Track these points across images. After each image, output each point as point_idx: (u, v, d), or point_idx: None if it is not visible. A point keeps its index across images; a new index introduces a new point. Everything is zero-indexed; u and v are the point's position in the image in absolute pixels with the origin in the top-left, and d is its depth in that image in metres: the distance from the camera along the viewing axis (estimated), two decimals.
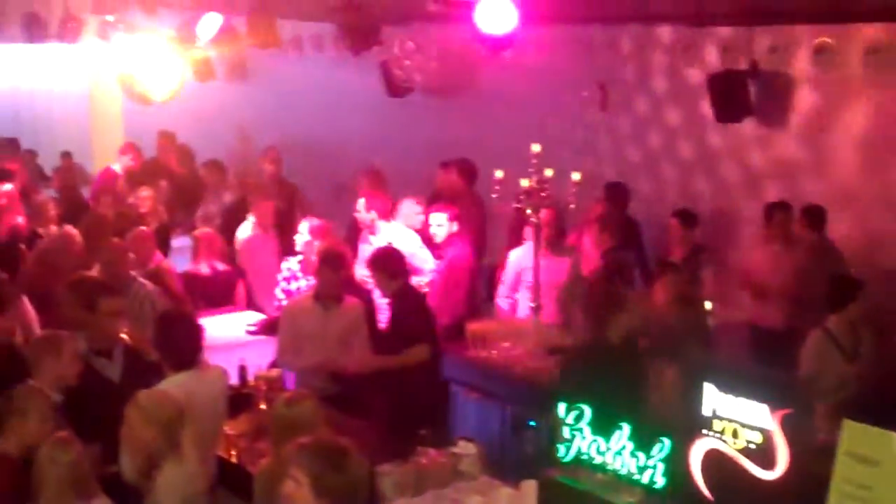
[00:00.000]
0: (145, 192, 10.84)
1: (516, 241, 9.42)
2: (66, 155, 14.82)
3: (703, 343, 7.76)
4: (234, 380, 7.79)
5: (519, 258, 9.11)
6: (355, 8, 8.67)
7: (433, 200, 10.56)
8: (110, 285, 6.89)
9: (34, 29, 11.84)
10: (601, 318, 6.67)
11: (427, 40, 10.08)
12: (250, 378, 7.66)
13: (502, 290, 9.37)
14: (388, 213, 9.69)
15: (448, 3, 8.59)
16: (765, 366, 8.10)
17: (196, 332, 6.31)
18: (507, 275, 9.26)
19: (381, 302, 8.58)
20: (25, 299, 7.76)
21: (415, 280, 9.42)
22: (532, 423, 7.59)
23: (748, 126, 9.65)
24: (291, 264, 9.31)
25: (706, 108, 9.67)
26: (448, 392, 8.34)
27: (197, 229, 10.39)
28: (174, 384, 5.81)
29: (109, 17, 11.50)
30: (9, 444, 5.27)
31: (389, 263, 8.03)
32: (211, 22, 9.97)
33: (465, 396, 8.39)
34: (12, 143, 14.63)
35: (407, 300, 8.05)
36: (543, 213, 8.61)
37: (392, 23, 10.44)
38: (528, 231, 8.79)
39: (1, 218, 10.54)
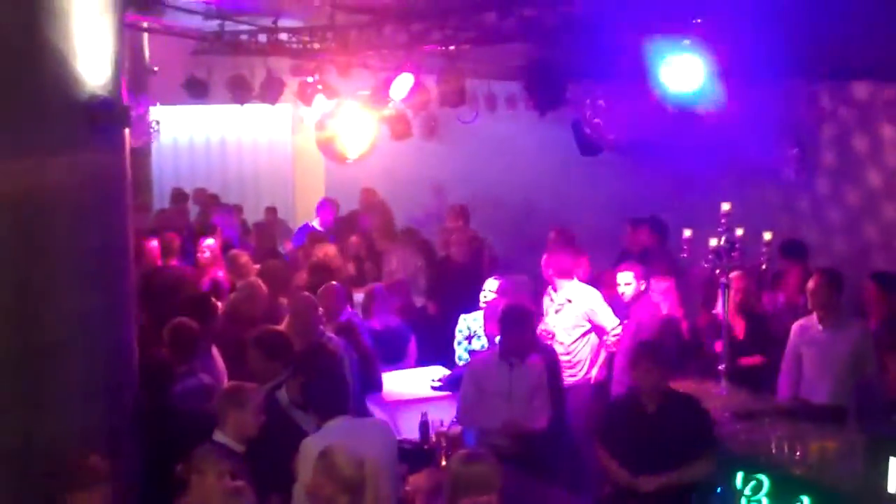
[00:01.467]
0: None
1: (711, 301, 9.21)
2: (270, 210, 15.39)
3: None
4: (416, 435, 7.89)
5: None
6: (543, 67, 8.68)
7: (622, 259, 10.47)
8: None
9: (239, 90, 12.34)
10: None
11: (618, 98, 10.00)
12: (432, 434, 7.71)
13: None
14: (569, 272, 9.60)
15: (638, 60, 8.52)
16: None
17: (343, 381, 6.39)
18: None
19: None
20: (215, 350, 8.06)
21: (599, 338, 9.39)
22: (718, 490, 7.35)
23: None
24: (470, 322, 9.34)
25: None
26: None
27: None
28: (332, 430, 5.89)
29: (308, 79, 11.90)
30: (191, 499, 5.47)
31: None
32: (403, 82, 10.17)
33: None
34: (215, 199, 15.25)
35: None
36: (733, 274, 8.42)
37: (582, 80, 10.43)
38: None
39: (203, 272, 11.04)
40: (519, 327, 8.00)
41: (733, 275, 8.57)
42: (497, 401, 7.84)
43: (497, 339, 8.30)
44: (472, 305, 9.56)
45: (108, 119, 6.19)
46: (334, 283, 9.40)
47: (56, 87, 6.05)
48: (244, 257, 10.87)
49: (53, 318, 6.14)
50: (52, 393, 6.07)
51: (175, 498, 5.52)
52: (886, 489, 4.87)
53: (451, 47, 9.42)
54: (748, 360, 8.85)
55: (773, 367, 8.49)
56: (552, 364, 8.48)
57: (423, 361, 10.07)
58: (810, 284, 8.15)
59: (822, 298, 8.04)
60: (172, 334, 7.52)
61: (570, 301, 9.44)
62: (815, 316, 8.09)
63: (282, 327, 7.95)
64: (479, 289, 9.57)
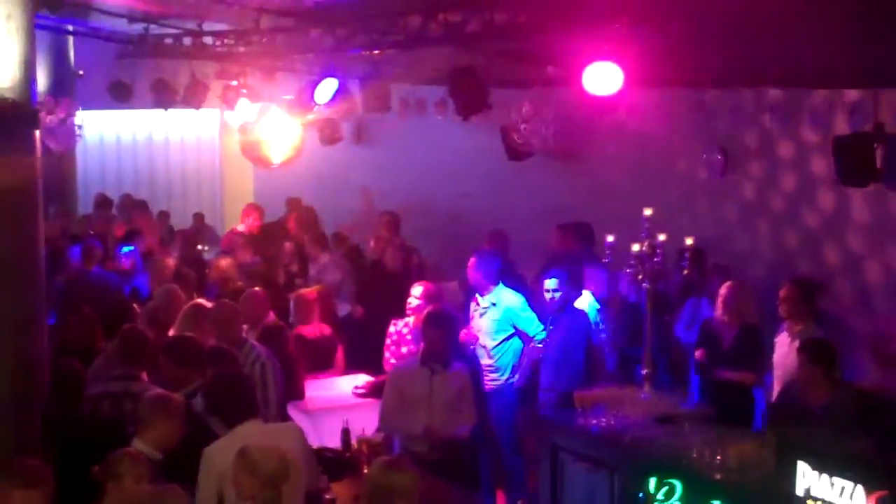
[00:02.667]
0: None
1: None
2: (197, 216, 15.24)
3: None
4: (337, 443, 7.82)
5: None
6: (467, 73, 8.67)
7: (549, 264, 10.49)
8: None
9: (163, 94, 12.23)
10: None
11: (544, 104, 10.02)
12: (353, 442, 7.65)
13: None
14: (495, 277, 9.58)
15: (564, 67, 8.54)
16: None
17: (249, 387, 6.36)
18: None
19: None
20: None
21: (522, 344, 9.39)
22: (640, 496, 7.36)
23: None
24: (400, 327, 9.31)
25: (825, 171, 9.37)
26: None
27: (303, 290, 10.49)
28: (240, 435, 5.85)
29: (233, 83, 11.81)
30: None
31: None
32: (328, 86, 10.10)
33: (574, 465, 8.22)
34: (142, 205, 15.08)
35: None
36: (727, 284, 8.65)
37: (509, 87, 10.45)
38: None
39: (124, 279, 10.90)
40: (439, 332, 7.95)
41: (727, 284, 8.72)
42: (418, 407, 7.79)
43: None
44: (401, 312, 9.51)
45: (16, 121, 6.07)
46: (257, 289, 9.30)
47: None
48: (167, 263, 10.73)
49: None
50: None
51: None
52: (794, 492, 4.91)
53: (376, 52, 9.35)
54: (734, 375, 8.74)
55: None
56: (474, 371, 8.46)
57: (349, 369, 10.02)
58: (782, 293, 8.31)
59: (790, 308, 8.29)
60: (126, 339, 7.37)
61: (494, 305, 9.43)
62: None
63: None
64: (408, 295, 9.54)
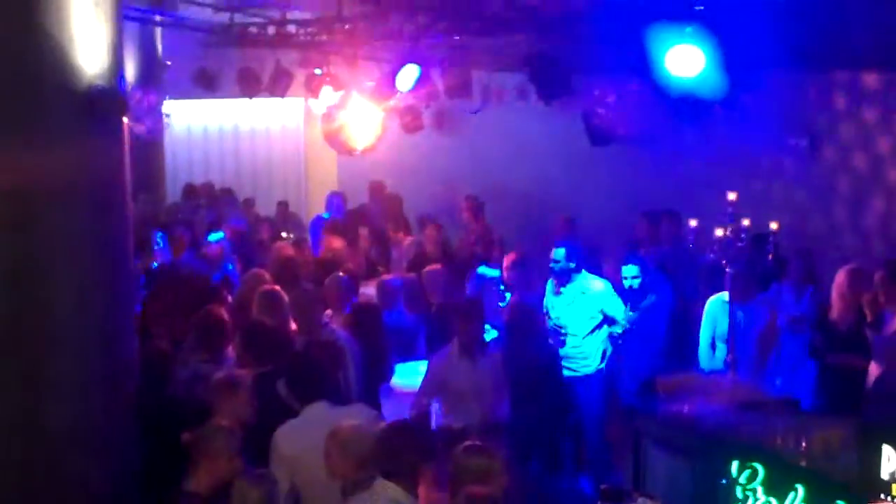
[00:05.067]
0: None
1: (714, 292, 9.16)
2: (282, 204, 15.40)
3: None
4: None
5: (711, 309, 8.85)
6: (547, 58, 8.65)
7: (631, 249, 10.43)
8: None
9: (248, 83, 12.37)
10: None
11: (624, 88, 9.96)
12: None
13: (702, 342, 9.12)
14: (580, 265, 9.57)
15: (641, 50, 8.48)
16: None
17: (321, 369, 6.46)
18: (703, 326, 9.00)
19: None
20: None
21: (609, 329, 9.36)
22: (723, 481, 7.31)
23: None
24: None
25: None
26: None
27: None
28: (306, 417, 5.96)
29: (316, 71, 11.91)
30: (199, 483, 5.47)
31: None
32: (409, 73, 10.13)
33: (656, 451, 8.19)
34: (228, 193, 15.27)
35: None
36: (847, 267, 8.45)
37: (591, 72, 10.40)
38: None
39: (213, 266, 11.06)
40: (476, 323, 8.10)
41: (845, 269, 8.50)
42: (465, 397, 7.84)
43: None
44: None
45: (106, 108, 6.18)
46: (340, 274, 9.37)
47: (53, 77, 6.04)
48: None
49: (51, 308, 6.15)
50: (51, 377, 6.09)
51: (181, 481, 5.53)
52: (879, 476, 4.83)
53: (457, 38, 9.37)
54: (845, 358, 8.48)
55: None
56: (554, 360, 8.58)
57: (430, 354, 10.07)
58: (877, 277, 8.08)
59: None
60: (202, 323, 7.53)
61: (583, 293, 9.39)
62: None
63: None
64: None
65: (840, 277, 8.54)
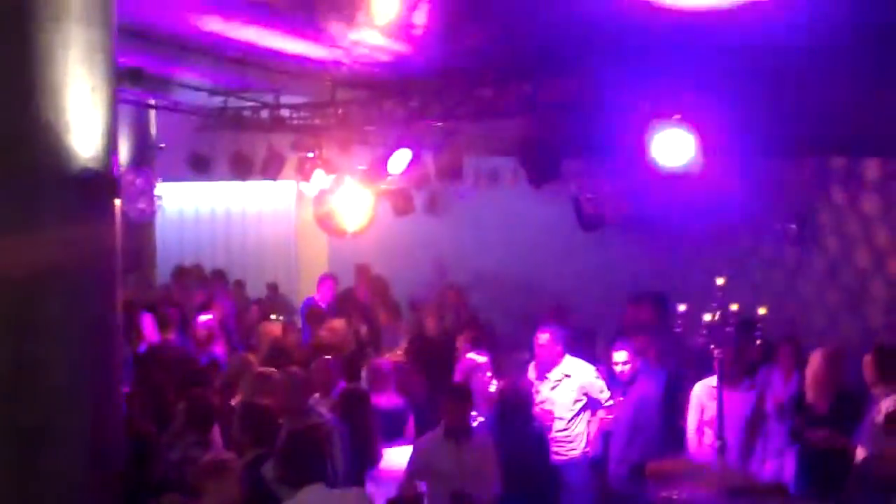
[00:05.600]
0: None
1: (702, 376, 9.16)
2: (271, 286, 15.41)
3: None
4: None
5: (699, 394, 8.84)
6: (537, 142, 8.75)
7: (620, 335, 10.45)
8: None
9: (241, 166, 12.46)
10: None
11: (613, 173, 10.07)
12: None
13: (689, 427, 9.09)
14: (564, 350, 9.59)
15: (630, 136, 8.59)
16: None
17: (318, 450, 6.40)
18: (691, 411, 8.99)
19: None
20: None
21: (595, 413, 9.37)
22: None
23: None
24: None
25: None
26: None
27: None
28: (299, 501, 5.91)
29: (308, 154, 12.02)
30: None
31: None
32: (401, 157, 10.23)
33: None
34: (219, 274, 15.29)
35: None
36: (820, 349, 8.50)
37: (581, 156, 10.50)
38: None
39: (201, 348, 11.06)
40: (464, 405, 8.04)
41: (819, 351, 8.58)
42: (446, 479, 7.73)
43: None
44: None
45: (98, 190, 6.24)
46: (328, 357, 9.37)
47: (47, 160, 6.12)
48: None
49: (45, 395, 6.16)
50: (44, 471, 6.10)
51: None
52: None
53: (449, 122, 9.48)
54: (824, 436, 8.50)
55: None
56: (543, 444, 8.62)
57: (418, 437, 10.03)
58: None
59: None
60: (191, 406, 7.50)
61: (568, 376, 9.41)
62: None
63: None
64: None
65: (816, 360, 8.59)
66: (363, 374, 10.10)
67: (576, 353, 9.63)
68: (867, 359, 8.27)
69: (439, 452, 7.87)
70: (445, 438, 7.91)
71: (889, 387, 8.08)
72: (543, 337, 9.44)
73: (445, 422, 8.01)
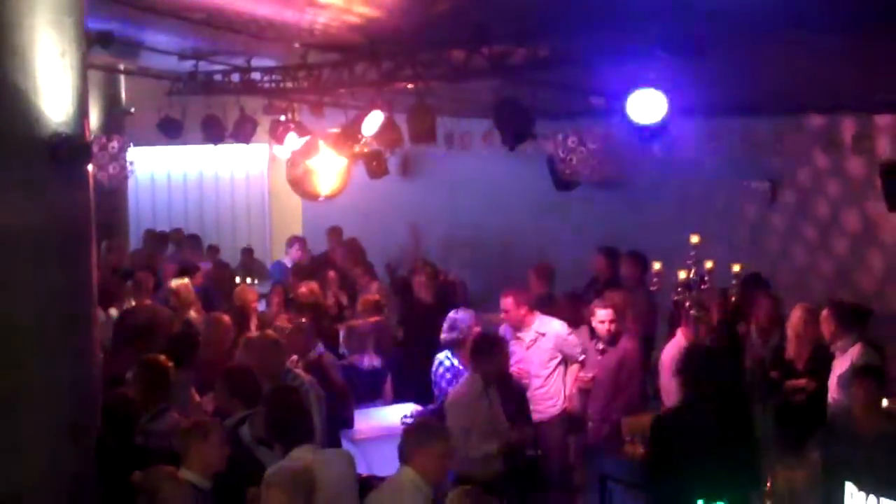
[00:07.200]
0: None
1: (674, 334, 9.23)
2: (247, 251, 15.38)
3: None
4: (385, 472, 7.82)
5: (673, 354, 8.89)
6: (511, 103, 8.72)
7: (596, 288, 10.52)
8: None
9: (212, 130, 12.40)
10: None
11: (587, 134, 10.05)
12: None
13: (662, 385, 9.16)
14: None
15: (609, 97, 8.58)
16: None
17: (305, 410, 6.51)
18: (663, 369, 9.04)
19: None
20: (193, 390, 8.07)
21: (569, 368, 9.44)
22: None
23: None
24: (443, 357, 9.28)
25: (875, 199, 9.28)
26: None
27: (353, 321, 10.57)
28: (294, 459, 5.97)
29: (281, 118, 11.96)
30: None
31: None
32: (374, 119, 10.19)
33: (622, 494, 8.22)
34: (194, 239, 15.24)
35: None
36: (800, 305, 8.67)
37: (554, 117, 10.49)
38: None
39: (176, 312, 11.02)
40: (500, 356, 8.16)
41: (800, 306, 8.68)
42: (492, 429, 7.90)
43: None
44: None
45: (70, 156, 6.20)
46: (303, 320, 9.38)
47: (16, 125, 6.07)
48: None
49: (16, 358, 6.13)
50: (17, 435, 6.09)
51: None
52: None
53: (422, 85, 9.43)
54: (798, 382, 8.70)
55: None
56: (523, 401, 8.67)
57: (396, 398, 10.10)
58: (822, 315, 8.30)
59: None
60: (144, 372, 7.45)
61: (542, 335, 9.44)
62: None
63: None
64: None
65: (795, 316, 8.67)
66: (341, 334, 10.14)
67: (561, 316, 9.68)
68: (825, 314, 8.38)
69: (480, 404, 7.96)
70: (485, 389, 8.00)
71: (848, 340, 8.22)
72: (506, 301, 9.48)
73: (482, 373, 8.07)
